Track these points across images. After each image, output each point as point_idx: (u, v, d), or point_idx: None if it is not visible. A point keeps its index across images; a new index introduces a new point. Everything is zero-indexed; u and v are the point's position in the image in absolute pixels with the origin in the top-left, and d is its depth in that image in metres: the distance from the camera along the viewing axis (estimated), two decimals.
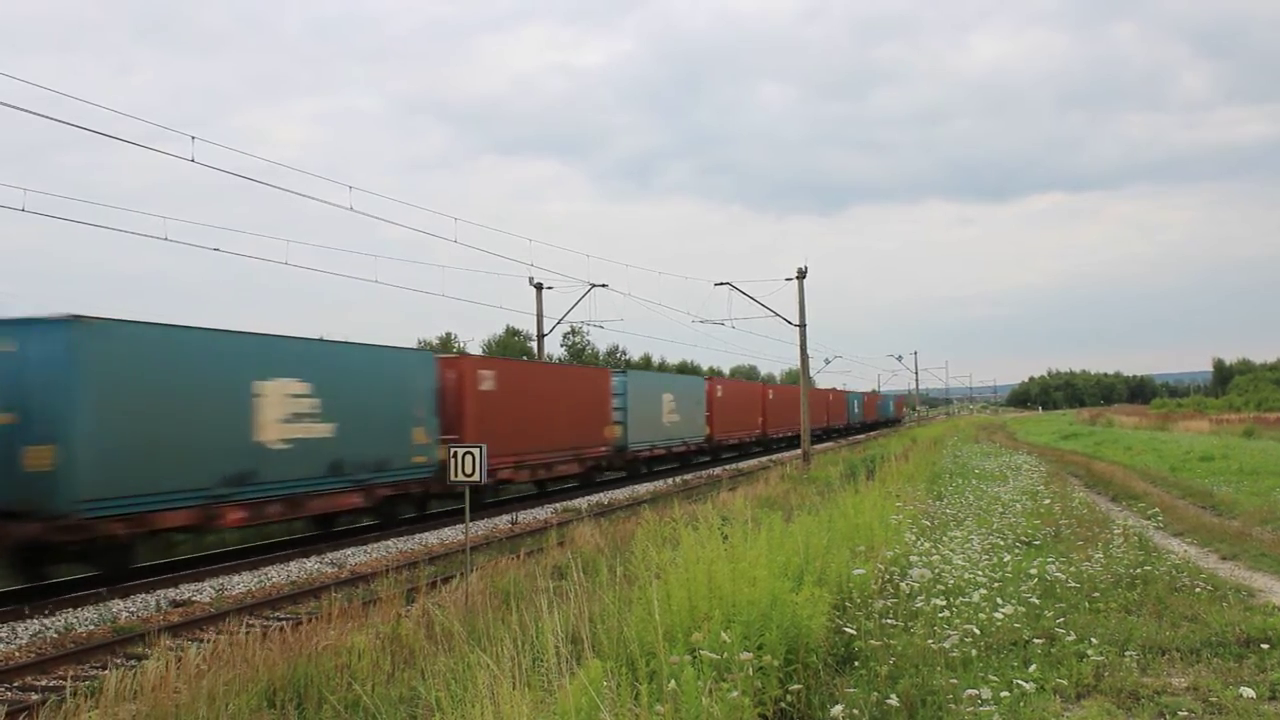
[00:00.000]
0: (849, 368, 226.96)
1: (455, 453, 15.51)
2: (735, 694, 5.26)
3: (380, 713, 6.90)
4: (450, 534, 22.76)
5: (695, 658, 5.63)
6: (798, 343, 40.08)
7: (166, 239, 19.99)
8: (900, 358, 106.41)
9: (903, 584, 8.95)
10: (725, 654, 5.69)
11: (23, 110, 14.74)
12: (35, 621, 13.82)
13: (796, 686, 6.22)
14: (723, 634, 5.79)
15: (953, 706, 5.95)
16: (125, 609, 14.79)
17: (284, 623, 12.95)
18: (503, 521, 25.16)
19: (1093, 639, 7.95)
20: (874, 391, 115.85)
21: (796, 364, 42.38)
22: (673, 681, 5.16)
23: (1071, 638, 7.88)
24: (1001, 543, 12.42)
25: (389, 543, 21.57)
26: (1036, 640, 7.80)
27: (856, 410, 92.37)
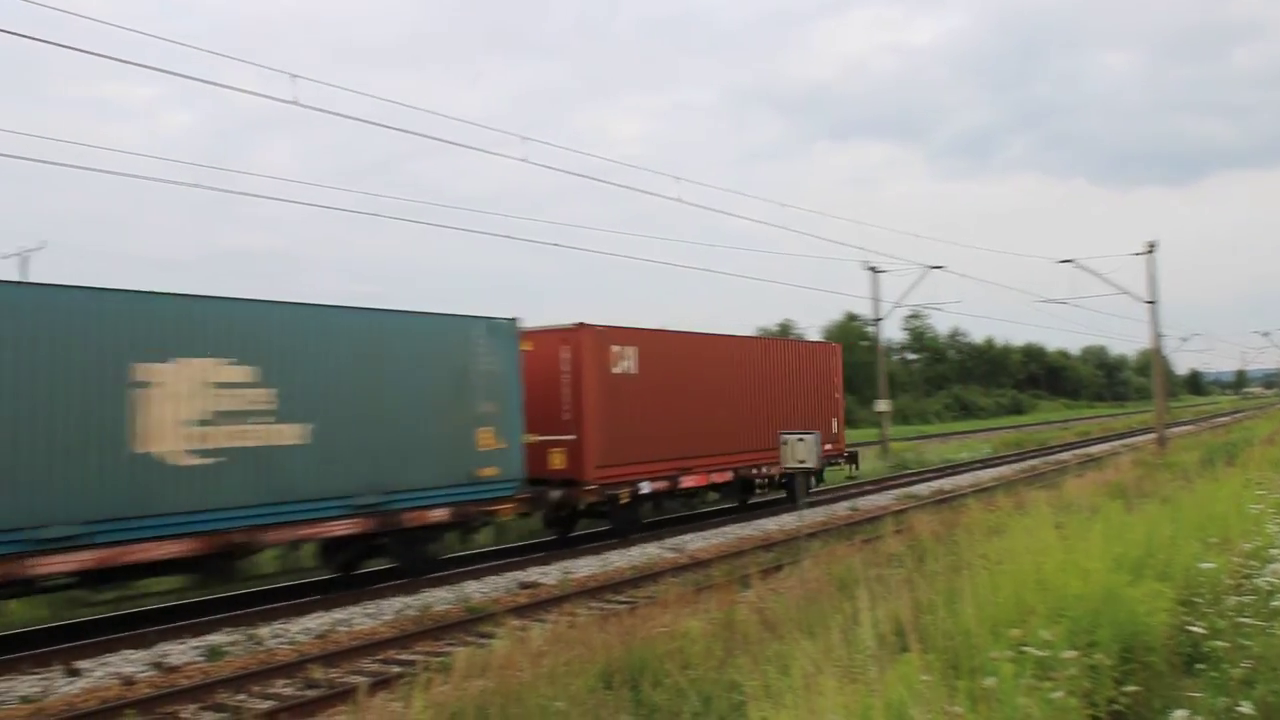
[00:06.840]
0: (1211, 346, 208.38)
1: (786, 440, 15.93)
2: (1059, 694, 5.06)
3: (712, 698, 7.10)
4: (790, 520, 23.04)
5: (1020, 654, 5.45)
6: (1148, 321, 37.58)
7: (509, 237, 21.33)
8: (1268, 334, 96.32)
9: (1260, 580, 8.22)
10: (1051, 651, 5.47)
11: (379, 125, 16.13)
12: (399, 599, 15.21)
13: (1132, 688, 5.90)
14: (1042, 631, 5.58)
15: None
16: (478, 589, 15.95)
17: (622, 606, 13.60)
18: (842, 508, 25.30)
19: None
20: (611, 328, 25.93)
21: (1148, 344, 39.72)
22: (991, 679, 5.03)
23: None
24: None
25: (728, 529, 22.25)
26: None
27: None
